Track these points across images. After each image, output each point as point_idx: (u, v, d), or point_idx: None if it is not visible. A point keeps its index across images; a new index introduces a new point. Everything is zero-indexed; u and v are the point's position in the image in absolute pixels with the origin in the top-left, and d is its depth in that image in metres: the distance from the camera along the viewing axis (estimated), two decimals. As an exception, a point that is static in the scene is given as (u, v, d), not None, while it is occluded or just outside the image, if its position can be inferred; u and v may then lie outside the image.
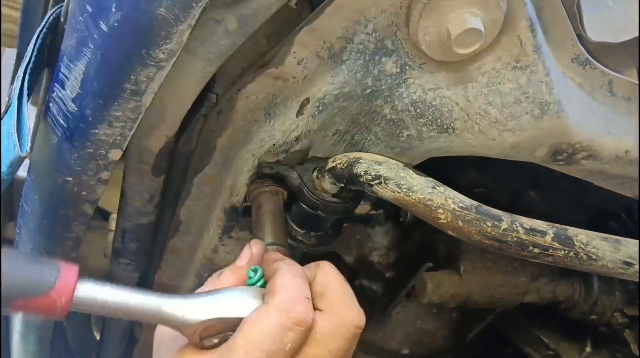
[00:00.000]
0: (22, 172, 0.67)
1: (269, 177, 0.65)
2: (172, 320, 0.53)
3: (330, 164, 0.63)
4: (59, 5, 0.64)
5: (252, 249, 0.61)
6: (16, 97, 0.60)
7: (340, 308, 0.54)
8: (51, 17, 0.64)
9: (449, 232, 0.57)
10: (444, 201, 0.56)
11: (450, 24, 0.54)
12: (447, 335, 1.09)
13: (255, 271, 0.59)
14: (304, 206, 0.64)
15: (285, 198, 0.67)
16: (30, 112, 0.62)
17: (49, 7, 0.83)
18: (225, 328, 0.53)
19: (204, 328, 0.53)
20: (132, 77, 0.52)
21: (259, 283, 0.58)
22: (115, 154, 0.59)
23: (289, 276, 0.55)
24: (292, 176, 0.64)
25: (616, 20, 0.62)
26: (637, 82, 0.63)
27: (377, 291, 1.01)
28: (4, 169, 0.62)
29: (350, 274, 1.02)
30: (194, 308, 0.53)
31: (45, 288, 0.49)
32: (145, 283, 0.95)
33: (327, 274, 0.57)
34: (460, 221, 0.56)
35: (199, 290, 0.59)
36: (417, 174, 0.59)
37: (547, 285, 0.88)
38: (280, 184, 0.65)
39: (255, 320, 0.51)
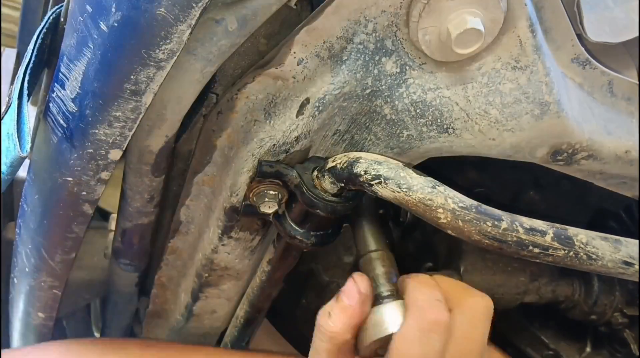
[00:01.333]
0: (22, 172, 0.67)
1: (268, 175, 0.65)
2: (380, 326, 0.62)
3: (330, 164, 0.63)
4: (59, 5, 0.64)
5: (360, 287, 0.64)
6: (16, 98, 0.60)
7: (466, 299, 0.61)
8: (51, 17, 0.64)
9: (449, 232, 0.57)
10: (443, 201, 0.56)
11: (450, 24, 0.54)
12: (447, 335, 1.08)
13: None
14: (303, 205, 0.64)
15: (285, 197, 0.67)
16: (30, 113, 0.62)
17: (49, 7, 0.83)
18: (383, 345, 0.61)
19: (381, 344, 0.61)
20: (131, 77, 0.52)
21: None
22: (115, 154, 0.59)
23: (416, 286, 0.61)
24: (291, 174, 0.64)
25: (616, 20, 0.62)
26: (637, 83, 0.63)
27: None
28: (4, 169, 0.62)
29: (351, 274, 1.02)
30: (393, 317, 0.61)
31: None
32: (145, 283, 0.95)
33: (438, 278, 0.63)
34: (460, 221, 0.56)
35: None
36: (417, 173, 0.59)
37: (547, 285, 0.88)
38: (280, 183, 0.65)
39: (401, 333, 0.59)
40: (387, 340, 0.60)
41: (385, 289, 0.65)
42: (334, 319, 0.62)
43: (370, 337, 0.61)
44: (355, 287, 0.63)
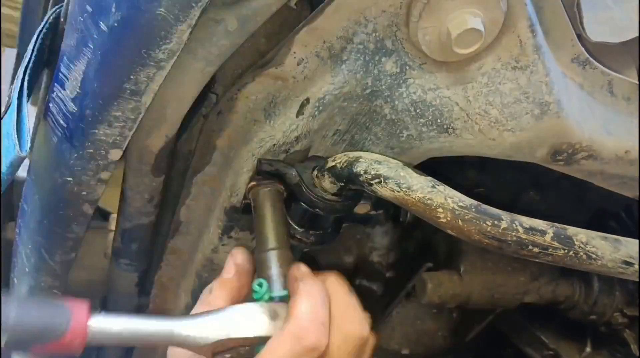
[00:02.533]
0: (22, 172, 0.67)
1: (268, 174, 0.65)
2: (185, 342, 0.56)
3: (330, 164, 0.63)
4: (59, 5, 0.64)
5: (236, 259, 0.63)
6: (16, 98, 0.60)
7: (344, 323, 0.57)
8: (51, 17, 0.64)
9: (449, 231, 0.57)
10: (443, 200, 0.56)
11: (450, 24, 0.54)
12: (447, 335, 1.09)
13: (260, 285, 0.60)
14: (303, 204, 0.64)
15: (284, 196, 0.67)
16: (30, 113, 0.62)
17: (49, 7, 0.83)
18: (236, 345, 0.56)
19: (216, 346, 0.56)
20: (131, 77, 0.52)
21: (265, 297, 0.60)
22: (115, 154, 0.59)
23: (306, 300, 0.56)
24: (291, 173, 0.64)
25: (616, 20, 0.62)
26: (637, 82, 0.63)
27: (377, 291, 1.01)
28: (4, 169, 0.62)
29: (350, 274, 1.02)
30: (205, 329, 0.56)
31: (60, 333, 0.52)
32: (145, 283, 0.95)
33: (332, 288, 0.59)
34: (459, 221, 0.56)
35: (194, 310, 0.62)
36: (417, 173, 0.59)
37: (547, 285, 0.88)
38: (279, 182, 0.65)
39: (273, 348, 0.54)
40: (246, 342, 0.56)
41: (277, 290, 0.61)
42: (214, 294, 0.62)
43: (227, 333, 0.56)
44: (231, 262, 0.63)
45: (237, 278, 0.62)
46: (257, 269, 0.64)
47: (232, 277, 0.63)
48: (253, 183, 0.66)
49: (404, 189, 0.57)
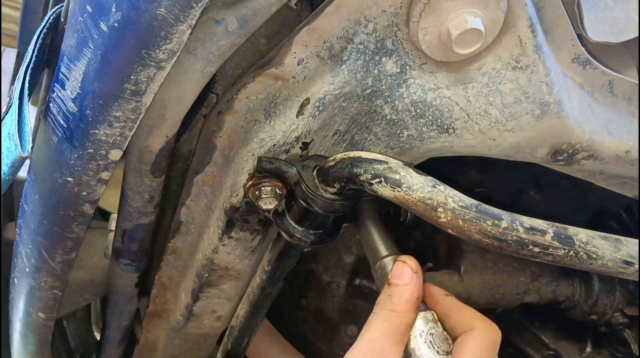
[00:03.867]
0: (22, 172, 0.67)
1: (268, 172, 0.65)
2: None
3: (330, 163, 0.63)
4: (59, 5, 0.64)
5: (412, 266, 0.63)
6: (17, 98, 0.60)
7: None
8: (51, 17, 0.64)
9: (449, 231, 0.57)
10: (444, 200, 0.56)
11: (451, 24, 0.54)
12: (447, 335, 1.08)
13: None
14: (302, 203, 0.64)
15: (285, 195, 0.67)
16: (30, 113, 0.62)
17: (49, 7, 0.83)
18: None
19: None
20: (132, 77, 0.52)
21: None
22: (115, 155, 0.59)
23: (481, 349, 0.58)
24: (291, 172, 0.64)
25: (616, 20, 0.62)
26: (638, 82, 0.63)
27: (377, 292, 1.01)
28: (5, 169, 0.62)
29: (351, 274, 1.02)
30: None
31: None
32: (145, 283, 0.95)
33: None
34: (460, 220, 0.56)
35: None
36: (417, 173, 0.59)
37: (548, 285, 0.88)
38: (279, 180, 0.65)
39: None
40: None
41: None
42: (395, 300, 0.61)
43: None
44: (409, 272, 0.62)
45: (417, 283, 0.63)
46: (380, 278, 0.67)
47: (413, 281, 0.62)
48: (252, 181, 0.66)
49: (404, 189, 0.57)
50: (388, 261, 0.67)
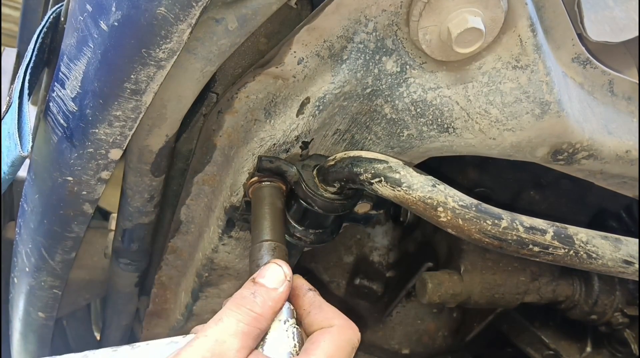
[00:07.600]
0: (22, 172, 0.67)
1: (268, 171, 0.65)
2: None
3: (330, 162, 0.63)
4: (59, 5, 0.64)
5: (286, 273, 0.56)
6: (17, 97, 0.60)
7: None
8: (51, 17, 0.64)
9: (449, 230, 0.57)
10: (444, 199, 0.56)
11: (451, 23, 0.54)
12: (447, 334, 1.09)
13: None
14: (302, 202, 0.64)
15: (285, 194, 0.67)
16: (30, 112, 0.62)
17: (49, 6, 0.83)
18: None
19: None
20: (132, 76, 0.52)
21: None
22: (115, 154, 0.59)
23: (335, 348, 0.53)
24: (291, 171, 0.64)
25: (617, 19, 0.62)
26: (638, 82, 0.63)
27: (377, 291, 1.01)
28: (5, 169, 0.62)
29: (351, 274, 1.02)
30: None
31: None
32: (145, 282, 0.95)
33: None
34: (460, 220, 0.56)
35: None
36: (417, 172, 0.59)
37: (548, 285, 0.88)
38: (280, 179, 0.65)
39: None
40: None
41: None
42: (258, 300, 0.53)
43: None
44: (282, 273, 0.55)
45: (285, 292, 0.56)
46: (249, 260, 0.61)
47: (283, 294, 0.56)
48: (253, 180, 0.66)
49: (404, 188, 0.57)
50: (265, 246, 0.60)
